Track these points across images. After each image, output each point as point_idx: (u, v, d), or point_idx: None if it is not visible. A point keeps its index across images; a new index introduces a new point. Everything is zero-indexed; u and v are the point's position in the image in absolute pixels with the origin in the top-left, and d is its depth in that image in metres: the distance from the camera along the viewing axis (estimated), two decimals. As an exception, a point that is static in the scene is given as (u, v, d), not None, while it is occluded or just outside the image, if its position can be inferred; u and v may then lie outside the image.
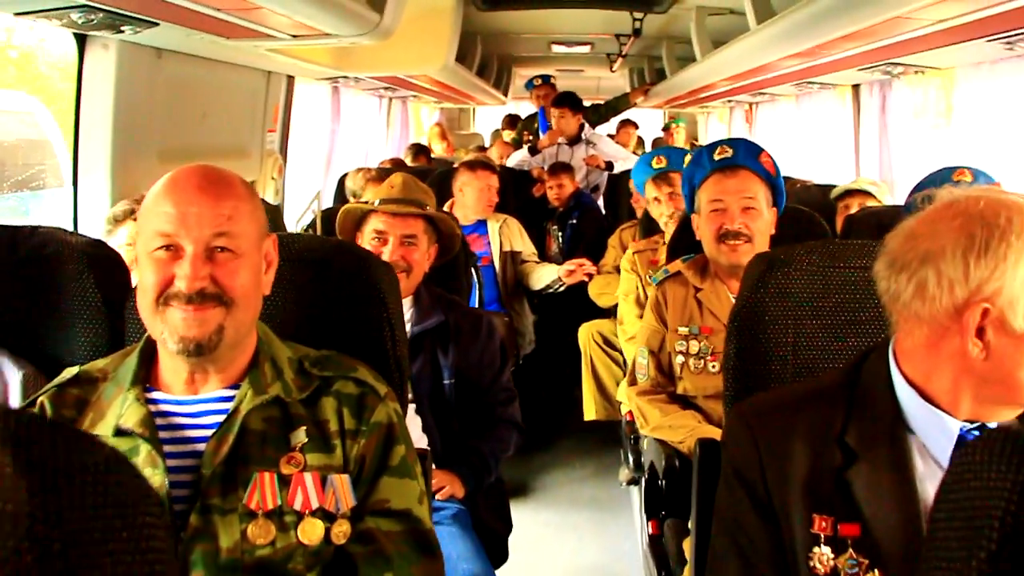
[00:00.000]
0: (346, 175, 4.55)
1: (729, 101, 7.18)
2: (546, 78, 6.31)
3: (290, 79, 4.28)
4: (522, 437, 2.34)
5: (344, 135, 5.78)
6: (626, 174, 4.62)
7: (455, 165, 4.31)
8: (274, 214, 2.91)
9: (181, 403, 1.32)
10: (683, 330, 2.33)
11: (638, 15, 5.05)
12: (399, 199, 2.30)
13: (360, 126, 6.40)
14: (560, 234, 4.97)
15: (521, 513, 3.13)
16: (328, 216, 3.06)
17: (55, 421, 0.61)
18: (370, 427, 1.34)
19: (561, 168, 5.09)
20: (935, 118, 4.15)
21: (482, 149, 7.86)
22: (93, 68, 2.65)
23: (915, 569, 0.73)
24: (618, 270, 3.52)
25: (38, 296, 1.62)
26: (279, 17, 2.46)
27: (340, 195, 4.60)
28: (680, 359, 2.32)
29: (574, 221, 4.95)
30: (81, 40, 2.64)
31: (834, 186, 3.67)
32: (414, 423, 2.13)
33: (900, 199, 3.33)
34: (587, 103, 5.95)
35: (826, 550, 1.16)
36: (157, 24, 2.40)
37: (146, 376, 1.33)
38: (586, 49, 6.92)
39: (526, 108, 8.25)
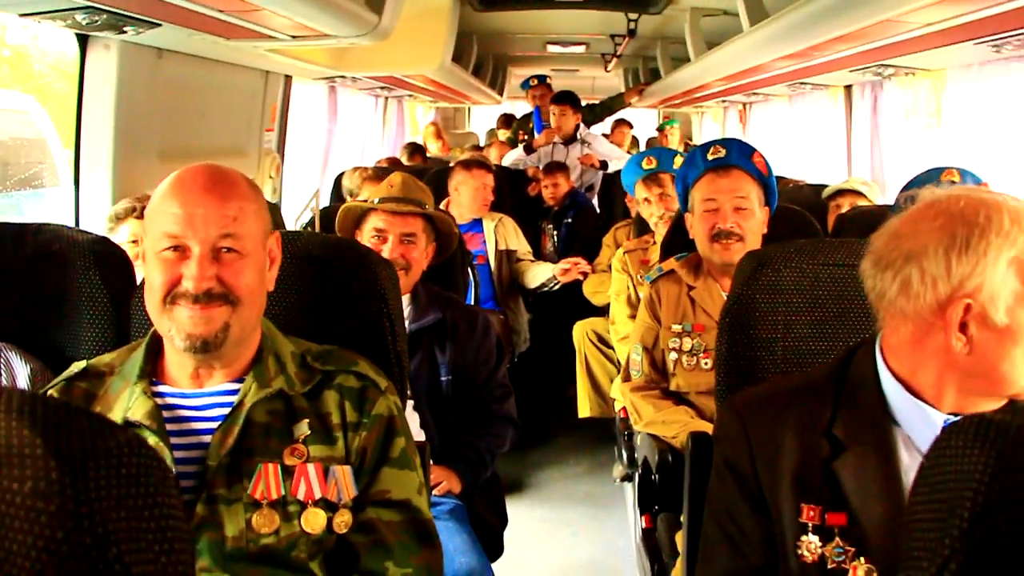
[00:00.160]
0: (343, 174, 4.58)
1: (723, 101, 7.22)
2: (542, 78, 6.34)
3: (287, 79, 4.30)
4: (518, 433, 2.38)
5: (341, 134, 5.80)
6: (620, 173, 4.65)
7: (450, 164, 4.34)
8: (272, 212, 2.94)
9: (187, 396, 1.35)
10: (676, 327, 2.36)
11: (633, 16, 5.09)
12: (399, 198, 2.33)
13: (356, 125, 6.42)
14: (555, 233, 4.99)
15: (516, 509, 3.16)
16: (326, 214, 3.10)
17: (80, 407, 0.64)
18: (371, 419, 1.38)
19: (556, 167, 5.12)
20: (926, 119, 4.20)
21: (477, 148, 7.89)
22: (95, 68, 2.68)
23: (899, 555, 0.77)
24: (612, 269, 3.55)
25: (45, 292, 1.65)
26: (279, 18, 2.49)
27: (337, 194, 4.62)
28: (673, 356, 2.35)
29: (569, 220, 4.97)
30: (83, 40, 2.67)
31: (826, 186, 3.71)
32: (412, 419, 2.16)
33: (891, 199, 3.37)
34: (583, 102, 5.98)
35: (814, 538, 1.20)
36: (159, 25, 2.43)
37: (152, 370, 1.37)
38: (581, 49, 6.95)
39: (521, 107, 8.29)
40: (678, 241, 2.61)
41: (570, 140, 5.67)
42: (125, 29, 2.44)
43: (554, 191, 5.02)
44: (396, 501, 1.37)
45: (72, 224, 2.77)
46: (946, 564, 0.69)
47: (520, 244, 4.09)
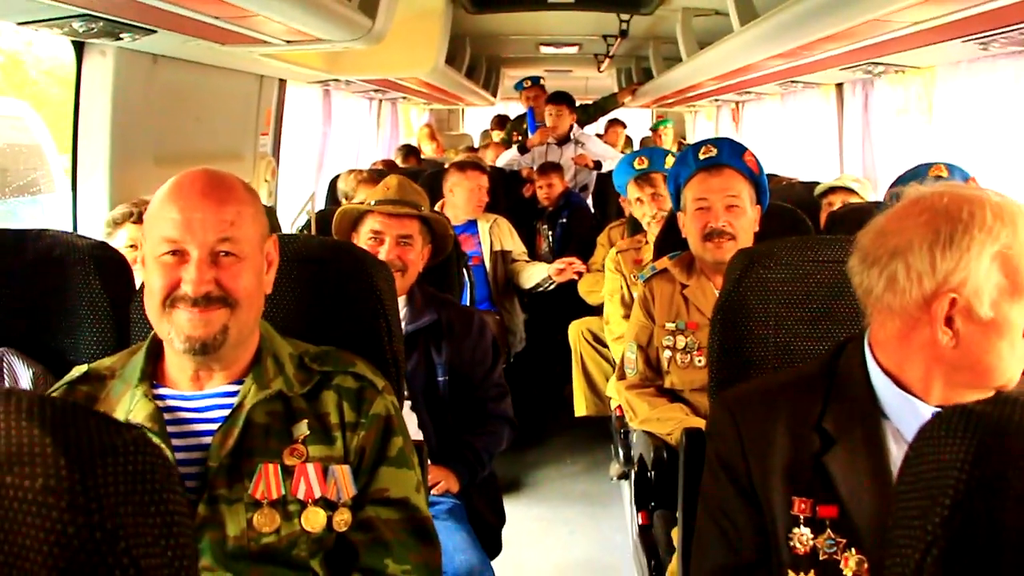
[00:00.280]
0: (338, 176, 4.59)
1: (716, 100, 7.24)
2: (535, 79, 6.36)
3: (282, 83, 4.32)
4: (514, 432, 2.39)
5: (335, 137, 5.82)
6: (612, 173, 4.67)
7: (445, 166, 4.36)
8: (269, 216, 2.96)
9: (187, 399, 1.37)
10: (670, 325, 2.38)
11: (625, 16, 5.11)
12: (395, 200, 2.35)
13: (351, 128, 6.44)
14: (550, 233, 5.01)
15: (514, 508, 3.18)
16: (323, 217, 3.11)
17: (86, 407, 0.66)
18: (369, 419, 1.40)
19: (551, 168, 5.14)
20: (917, 115, 4.23)
21: (472, 150, 7.90)
22: (91, 74, 2.70)
23: None
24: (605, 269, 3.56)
25: (46, 297, 1.67)
26: (274, 24, 2.51)
27: (332, 196, 4.64)
28: (667, 354, 2.37)
29: (564, 220, 4.99)
30: (79, 47, 2.69)
31: (818, 183, 3.73)
32: (409, 419, 2.18)
33: (883, 195, 3.40)
34: (576, 103, 6.01)
35: (806, 531, 1.22)
36: (155, 31, 2.45)
37: (153, 373, 1.39)
38: (574, 50, 6.97)
39: (515, 109, 8.29)
40: (671, 240, 2.63)
41: (564, 140, 5.70)
42: (121, 36, 2.46)
43: (548, 191, 5.03)
44: (394, 499, 1.39)
45: (70, 229, 2.79)
46: (928, 551, 0.71)
47: (515, 245, 4.11)
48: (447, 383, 2.26)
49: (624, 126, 8.76)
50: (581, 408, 3.90)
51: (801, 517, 1.22)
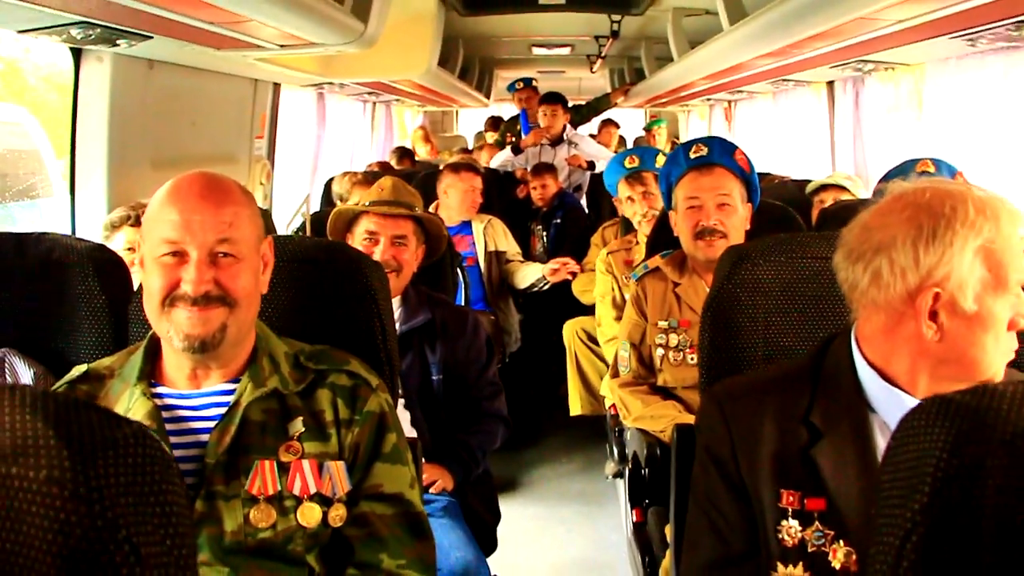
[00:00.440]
0: (333, 179, 4.61)
1: (708, 99, 7.27)
2: (528, 81, 6.39)
3: (276, 86, 4.33)
4: (508, 430, 2.41)
5: (330, 140, 5.83)
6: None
7: (440, 167, 4.38)
8: (264, 218, 2.98)
9: (184, 397, 1.39)
10: (663, 324, 2.39)
11: (616, 17, 5.13)
12: (390, 201, 2.38)
13: (345, 130, 6.45)
14: (544, 234, 5.03)
15: (510, 507, 3.18)
16: (317, 219, 3.13)
17: (88, 402, 0.69)
18: (363, 416, 1.42)
19: (544, 168, 5.15)
20: (908, 112, 4.25)
21: (466, 151, 7.92)
22: (88, 80, 2.72)
23: None
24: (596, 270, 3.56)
25: (46, 299, 1.70)
26: (268, 28, 2.53)
27: (327, 198, 4.66)
28: (660, 352, 2.38)
29: (558, 221, 5.00)
30: (77, 54, 2.71)
31: (810, 181, 3.76)
32: (403, 418, 2.20)
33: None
34: (569, 103, 6.03)
35: (794, 523, 1.23)
36: (151, 37, 2.47)
37: (151, 372, 1.41)
38: (566, 51, 6.99)
39: (508, 110, 8.32)
40: (663, 239, 2.65)
41: (557, 141, 5.72)
42: (118, 42, 2.48)
43: (542, 192, 5.05)
44: (389, 495, 1.42)
45: (69, 233, 2.81)
46: (908, 536, 0.73)
47: (509, 245, 4.13)
48: (441, 382, 2.28)
49: (617, 126, 8.79)
50: (576, 407, 3.92)
51: (789, 510, 1.24)
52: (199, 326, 1.32)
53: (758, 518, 1.26)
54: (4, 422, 0.64)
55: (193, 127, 3.39)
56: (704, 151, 2.37)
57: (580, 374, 3.90)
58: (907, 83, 4.19)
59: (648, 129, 8.16)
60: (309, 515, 1.35)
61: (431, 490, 2.16)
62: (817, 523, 1.23)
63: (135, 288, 1.71)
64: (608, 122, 8.54)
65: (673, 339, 2.38)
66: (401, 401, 2.18)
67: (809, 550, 1.23)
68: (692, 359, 2.31)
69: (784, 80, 4.68)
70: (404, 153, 6.75)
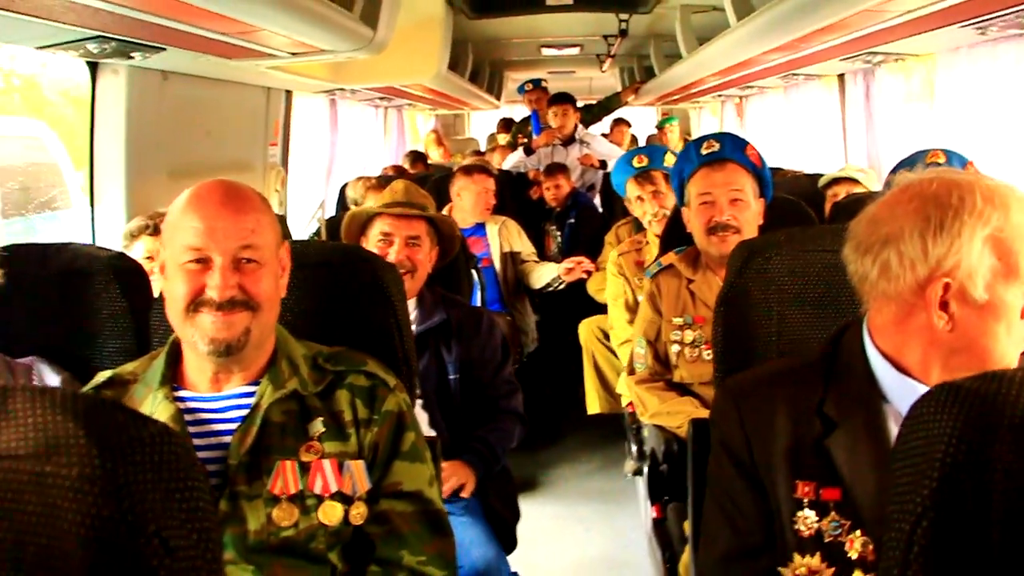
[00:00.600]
0: (347, 184, 4.65)
1: (719, 95, 7.26)
2: (537, 82, 6.40)
3: (288, 94, 4.37)
4: (525, 428, 2.42)
5: (343, 145, 5.87)
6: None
7: (453, 170, 4.40)
8: (280, 224, 3.03)
9: (206, 400, 1.42)
10: (677, 320, 2.40)
11: (624, 16, 5.14)
12: (403, 202, 2.40)
13: (358, 136, 6.50)
14: (558, 234, 5.03)
15: (530, 507, 3.20)
16: (332, 223, 3.17)
17: (115, 402, 0.71)
18: (382, 416, 1.44)
19: (557, 169, 5.16)
20: (919, 103, 4.23)
21: (478, 153, 7.95)
22: (105, 93, 2.77)
23: None
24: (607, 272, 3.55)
25: (70, 307, 1.74)
26: (279, 37, 2.57)
27: (342, 203, 4.69)
28: (676, 348, 2.39)
29: (572, 221, 5.01)
30: (93, 68, 2.77)
31: (823, 175, 3.75)
32: (421, 419, 2.21)
33: (885, 184, 3.39)
34: (580, 103, 6.04)
35: (810, 514, 1.24)
36: (164, 49, 2.51)
37: (173, 376, 1.44)
38: (575, 51, 7.00)
39: (520, 111, 8.33)
40: (676, 235, 2.65)
41: (569, 141, 5.73)
42: (132, 55, 2.53)
43: (556, 192, 5.06)
44: (408, 492, 1.44)
45: (89, 242, 2.85)
46: (918, 522, 0.73)
47: (524, 245, 4.14)
48: (458, 381, 2.30)
49: (629, 125, 8.78)
50: (594, 406, 3.91)
51: (805, 500, 1.24)
52: (224, 330, 1.35)
53: (774, 510, 1.27)
54: (36, 422, 0.67)
55: (208, 136, 3.43)
56: (716, 147, 2.37)
57: (597, 373, 3.89)
58: (918, 74, 4.17)
59: (660, 127, 8.14)
60: (330, 513, 1.37)
61: (462, 494, 2.16)
62: (833, 513, 1.23)
63: (155, 295, 1.75)
64: (620, 121, 8.53)
65: (688, 335, 2.38)
66: (419, 402, 2.21)
67: (825, 540, 1.23)
68: (708, 355, 2.31)
69: (794, 74, 4.68)
70: (417, 157, 6.78)
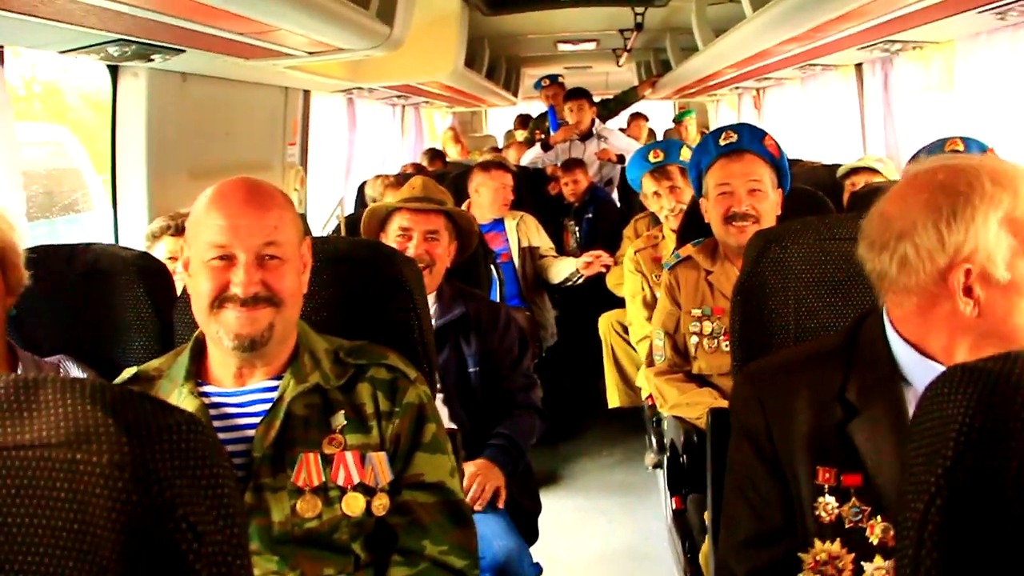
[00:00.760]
0: (365, 182, 4.68)
1: (736, 88, 7.22)
2: (554, 78, 6.41)
3: (306, 93, 4.41)
4: (545, 422, 2.43)
5: (361, 144, 5.91)
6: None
7: (471, 167, 4.42)
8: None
9: (230, 394, 1.44)
10: (696, 312, 2.40)
11: (639, 9, 5.14)
12: (421, 197, 2.43)
13: (376, 134, 6.53)
14: (577, 229, 5.04)
15: (552, 500, 3.21)
16: (351, 221, 3.20)
17: (141, 392, 0.73)
18: (403, 408, 1.46)
19: (575, 164, 5.18)
20: (939, 92, 4.19)
21: (496, 150, 7.96)
22: (125, 96, 2.82)
23: None
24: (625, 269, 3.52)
25: (95, 306, 1.77)
26: (296, 36, 2.59)
27: (360, 202, 4.73)
28: (694, 339, 2.39)
29: (590, 215, 5.02)
30: (114, 71, 2.81)
31: (841, 165, 3.73)
32: (442, 413, 2.23)
33: (905, 174, 3.35)
34: (596, 98, 6.04)
35: (831, 499, 1.24)
36: (183, 51, 2.55)
37: (197, 372, 1.46)
38: (591, 46, 6.99)
39: (537, 107, 8.34)
40: (693, 228, 2.65)
41: (586, 136, 5.73)
42: (152, 57, 2.57)
43: (574, 187, 5.07)
44: (430, 483, 1.46)
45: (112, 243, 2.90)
46: (932, 501, 0.74)
47: (542, 240, 4.15)
48: (478, 374, 2.31)
49: (647, 119, 8.76)
50: (614, 399, 3.91)
51: (826, 486, 1.24)
52: (248, 326, 1.37)
53: (794, 495, 1.27)
54: (67, 412, 0.69)
55: (227, 137, 3.47)
56: (734, 138, 2.37)
57: (617, 366, 3.90)
58: (937, 62, 4.13)
59: (678, 121, 8.11)
60: (353, 505, 1.39)
61: (477, 506, 2.12)
62: (854, 499, 1.23)
63: (178, 294, 1.78)
64: (637, 115, 8.51)
65: (707, 327, 2.38)
66: (440, 396, 2.22)
67: (846, 526, 1.23)
68: (726, 346, 2.31)
69: (811, 65, 4.65)
70: (435, 154, 6.81)
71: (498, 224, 4.06)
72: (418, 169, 5.53)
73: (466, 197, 4.10)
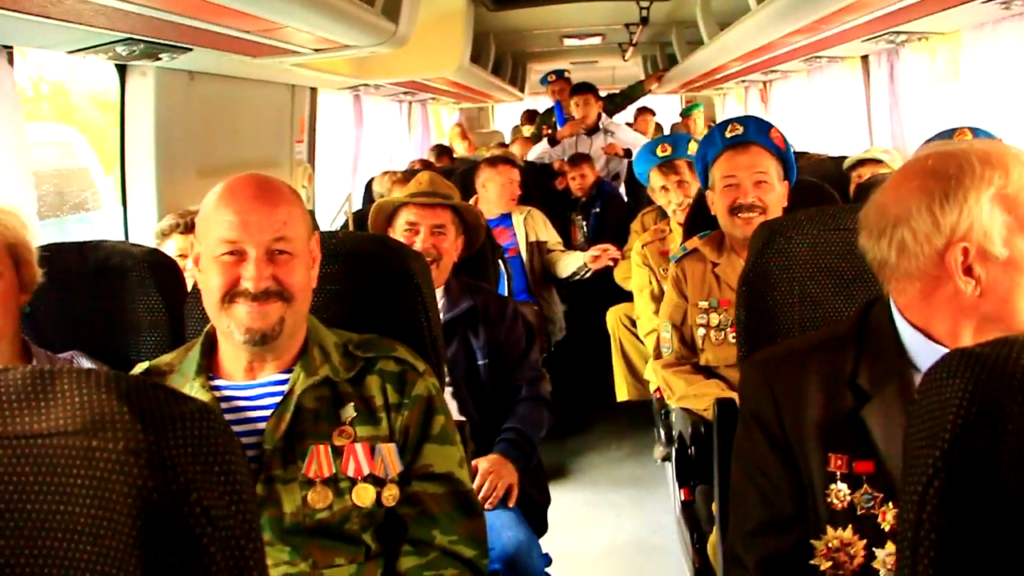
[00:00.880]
0: (373, 179, 4.70)
1: (743, 81, 7.21)
2: (560, 73, 6.41)
3: (313, 91, 4.43)
4: (553, 415, 2.43)
5: (368, 140, 5.93)
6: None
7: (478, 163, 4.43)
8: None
9: (241, 388, 1.46)
10: (703, 304, 2.41)
11: (644, 3, 5.14)
12: (427, 192, 2.44)
13: (383, 131, 6.55)
14: (584, 223, 5.05)
15: (561, 494, 3.22)
16: (359, 217, 3.21)
17: (155, 381, 0.75)
18: (412, 400, 1.48)
19: (582, 159, 5.18)
20: (945, 83, 4.18)
21: (503, 146, 7.97)
22: (134, 95, 2.84)
23: None
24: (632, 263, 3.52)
25: (107, 302, 1.80)
26: (302, 34, 2.61)
27: (368, 198, 4.75)
28: (701, 332, 2.40)
29: (597, 210, 5.02)
30: (122, 70, 2.84)
31: (848, 157, 3.73)
32: (451, 406, 2.23)
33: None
34: (603, 93, 6.03)
35: (842, 486, 1.24)
36: (191, 49, 2.57)
37: (208, 366, 1.48)
38: (597, 40, 6.99)
39: (544, 103, 8.34)
40: (700, 220, 2.66)
41: (593, 130, 5.73)
42: (160, 56, 2.59)
43: (581, 182, 5.08)
44: (439, 474, 1.48)
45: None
46: (930, 482, 0.75)
47: (550, 235, 4.16)
48: (487, 367, 2.32)
49: (654, 113, 8.74)
50: (623, 393, 3.91)
51: (838, 473, 1.24)
52: (259, 320, 1.39)
53: (805, 482, 1.27)
54: (83, 401, 0.71)
55: (235, 134, 3.49)
56: (740, 130, 2.37)
57: (625, 360, 3.90)
58: (943, 54, 4.12)
59: (686, 114, 8.10)
60: (363, 495, 1.41)
61: (488, 504, 2.11)
62: (866, 486, 1.23)
63: (188, 289, 1.80)
64: (644, 110, 8.50)
65: (714, 319, 2.39)
66: (449, 390, 2.24)
67: (858, 513, 1.24)
68: (733, 338, 2.31)
69: (817, 57, 4.64)
70: (442, 151, 6.82)
71: (506, 219, 4.07)
72: (425, 165, 5.55)
73: (474, 192, 4.11)
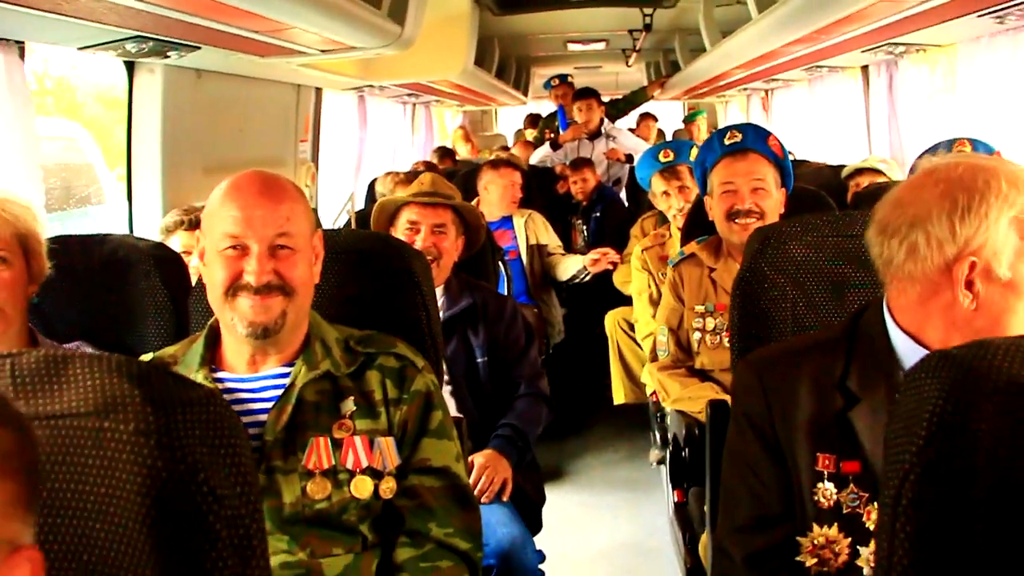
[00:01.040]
0: (376, 179, 4.73)
1: (745, 89, 7.24)
2: (563, 77, 6.44)
3: (318, 91, 4.46)
4: (552, 412, 2.46)
5: (371, 141, 5.96)
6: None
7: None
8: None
9: (244, 380, 1.49)
10: (699, 308, 2.44)
11: (648, 10, 5.17)
12: (429, 192, 2.48)
13: (387, 132, 6.58)
14: (584, 228, 5.08)
15: (557, 495, 3.24)
16: (362, 216, 3.25)
17: (163, 367, 0.78)
18: (410, 395, 1.51)
19: (583, 163, 5.21)
20: (943, 94, 4.21)
21: (506, 149, 8.00)
22: (141, 92, 2.88)
23: None
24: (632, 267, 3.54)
25: (113, 295, 1.83)
26: (309, 35, 2.64)
27: (371, 198, 4.77)
28: (697, 335, 2.43)
29: (598, 214, 5.05)
30: (130, 67, 2.87)
31: (846, 166, 3.76)
32: (449, 404, 2.26)
33: (910, 175, 3.38)
34: (606, 98, 6.06)
35: (829, 486, 1.27)
36: (199, 48, 2.60)
37: (211, 358, 1.51)
38: (601, 46, 7.02)
39: (547, 107, 8.37)
40: (698, 225, 2.69)
41: (595, 135, 5.76)
42: (168, 54, 2.62)
43: (582, 186, 5.11)
44: (436, 468, 1.51)
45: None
46: (906, 477, 0.79)
47: (550, 238, 4.18)
48: (487, 364, 2.35)
49: (656, 119, 8.77)
50: (620, 396, 3.94)
51: (825, 472, 1.27)
52: (261, 313, 1.42)
53: (793, 481, 1.30)
54: (94, 384, 0.74)
55: (240, 133, 3.52)
56: (738, 137, 2.40)
57: (622, 363, 3.92)
58: (941, 66, 4.15)
59: (689, 121, 8.13)
60: (362, 487, 1.44)
61: (484, 499, 2.15)
62: (852, 485, 1.26)
63: (192, 283, 1.83)
64: (647, 115, 8.52)
65: (710, 323, 2.42)
66: (448, 387, 2.27)
67: (844, 512, 1.27)
68: (728, 342, 2.35)
69: (818, 66, 4.67)
70: (445, 153, 6.85)
71: (507, 222, 4.09)
72: (428, 167, 5.58)
73: (475, 195, 4.13)
